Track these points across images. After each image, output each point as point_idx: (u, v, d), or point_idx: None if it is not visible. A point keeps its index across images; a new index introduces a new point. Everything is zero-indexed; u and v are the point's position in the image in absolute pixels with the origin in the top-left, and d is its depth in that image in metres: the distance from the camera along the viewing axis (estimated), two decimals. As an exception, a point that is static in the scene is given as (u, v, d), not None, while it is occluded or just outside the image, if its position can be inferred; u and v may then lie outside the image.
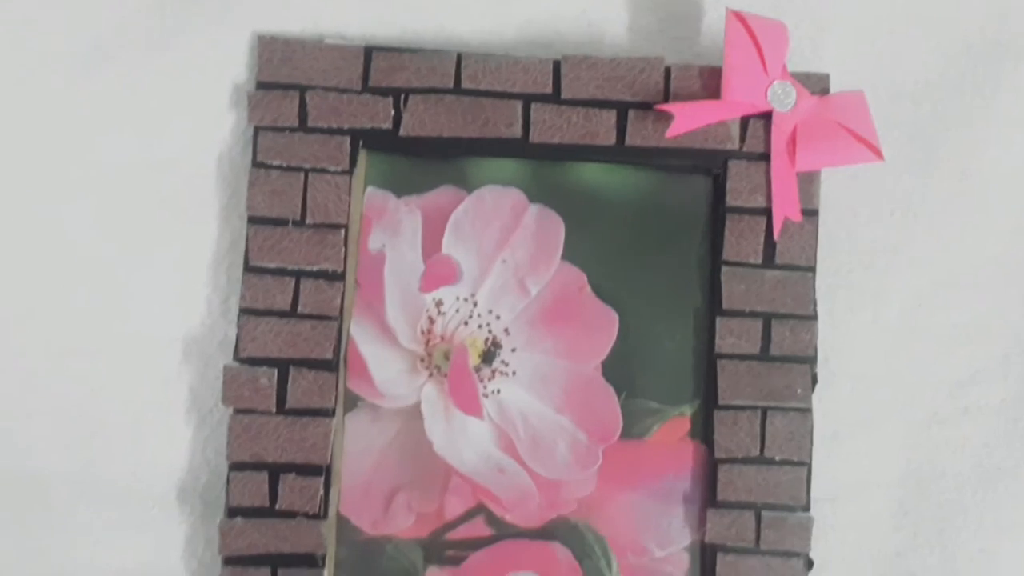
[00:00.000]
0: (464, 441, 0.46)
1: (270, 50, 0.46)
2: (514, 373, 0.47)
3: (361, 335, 0.47)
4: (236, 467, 0.45)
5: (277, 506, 0.45)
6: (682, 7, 0.49)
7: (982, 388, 0.49)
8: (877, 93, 0.48)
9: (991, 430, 0.48)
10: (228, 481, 0.45)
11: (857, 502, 0.48)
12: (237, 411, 0.45)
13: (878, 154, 0.47)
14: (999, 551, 0.47)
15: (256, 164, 0.45)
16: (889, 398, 0.48)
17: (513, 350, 0.47)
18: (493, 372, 0.47)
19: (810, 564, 0.46)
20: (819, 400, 0.47)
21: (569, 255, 0.47)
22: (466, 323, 0.47)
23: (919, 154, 0.49)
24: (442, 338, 0.47)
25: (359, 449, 0.46)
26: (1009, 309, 0.49)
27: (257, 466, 0.45)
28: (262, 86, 0.46)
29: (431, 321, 0.47)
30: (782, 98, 0.47)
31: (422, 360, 0.47)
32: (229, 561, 0.44)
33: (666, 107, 0.45)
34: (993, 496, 0.48)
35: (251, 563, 0.44)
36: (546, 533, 0.46)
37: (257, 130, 0.46)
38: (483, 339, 0.47)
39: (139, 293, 0.47)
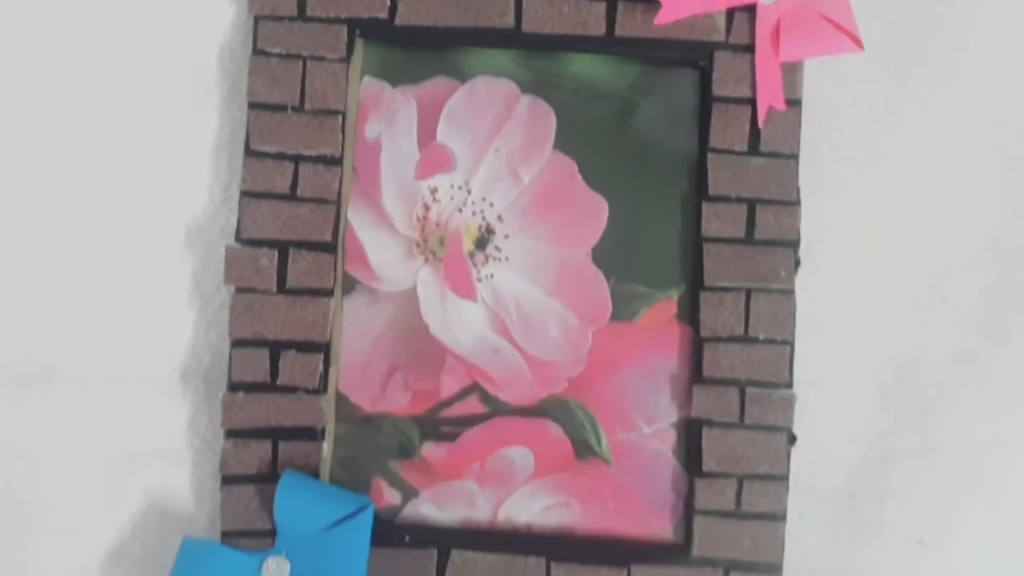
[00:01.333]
0: (459, 323, 0.48)
1: (269, -60, 0.48)
2: (507, 258, 0.48)
3: (358, 221, 0.48)
4: (238, 344, 0.46)
5: (278, 382, 0.46)
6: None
7: (960, 279, 0.50)
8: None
9: (968, 318, 0.50)
10: (230, 358, 0.46)
11: (840, 386, 0.49)
12: (239, 290, 0.46)
13: (858, 44, 0.48)
14: (977, 431, 0.49)
15: (256, 52, 0.47)
16: (871, 288, 0.50)
17: (506, 236, 0.48)
18: (487, 257, 0.48)
19: (793, 439, 0.47)
20: (803, 289, 0.48)
21: (560, 145, 0.48)
22: (460, 210, 0.48)
23: (900, 53, 0.51)
24: (437, 224, 0.48)
25: (357, 330, 0.48)
26: (988, 203, 0.50)
27: (258, 343, 0.46)
28: (262, -24, 0.48)
29: (426, 208, 0.48)
30: (766, -10, 0.49)
31: (418, 245, 0.48)
32: (231, 434, 0.46)
33: (654, -6, 0.47)
34: (971, 379, 0.49)
35: (252, 436, 0.46)
36: (538, 411, 0.48)
37: (257, 19, 0.47)
38: (477, 226, 0.48)
39: (143, 181, 0.48)
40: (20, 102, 0.48)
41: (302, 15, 0.47)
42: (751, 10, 0.48)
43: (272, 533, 0.45)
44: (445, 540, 0.46)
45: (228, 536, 0.45)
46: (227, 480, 0.46)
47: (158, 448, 0.47)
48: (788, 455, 0.47)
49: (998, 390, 0.49)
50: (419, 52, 0.48)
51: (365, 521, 0.43)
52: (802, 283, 0.48)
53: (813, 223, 0.49)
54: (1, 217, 0.48)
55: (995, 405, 0.49)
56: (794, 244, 0.48)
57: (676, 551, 0.47)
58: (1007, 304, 0.50)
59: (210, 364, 0.48)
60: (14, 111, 0.48)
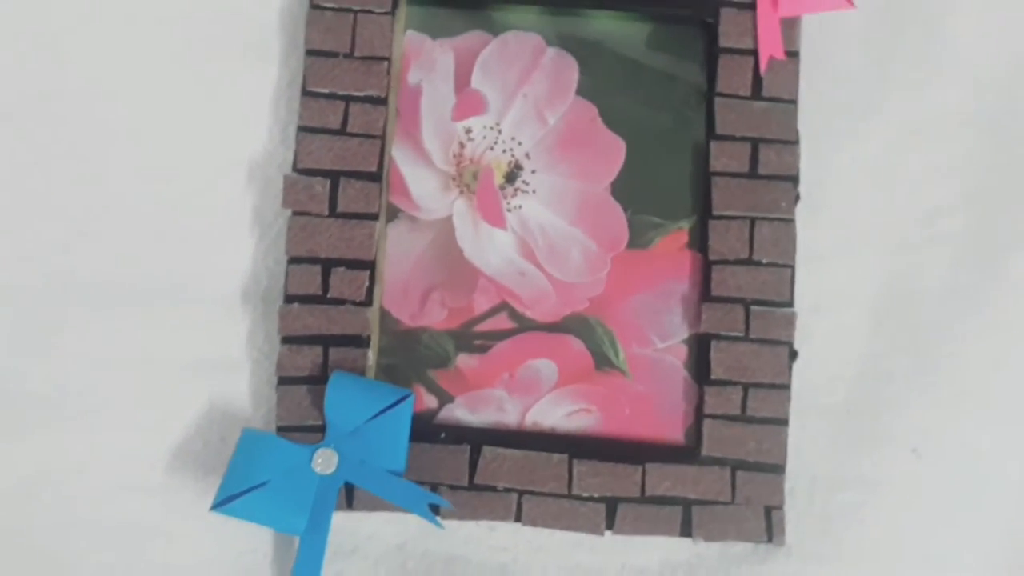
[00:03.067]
0: (490, 248, 0.53)
1: (326, -88, 0.54)
2: (534, 191, 0.53)
3: (401, 157, 0.53)
4: (293, 261, 0.51)
5: (328, 295, 0.51)
6: None
7: (947, 218, 0.54)
8: None
9: (955, 254, 0.54)
10: (286, 273, 0.51)
11: (838, 313, 0.53)
12: (295, 213, 0.52)
13: (850, 2, 0.53)
14: (964, 353, 0.53)
15: (313, 7, 0.53)
16: (866, 226, 0.54)
17: (533, 172, 0.54)
18: (515, 190, 0.53)
19: (794, 354, 0.51)
20: (804, 226, 0.53)
21: (582, 91, 0.54)
22: (492, 148, 0.54)
23: (891, 10, 0.55)
24: (471, 160, 0.54)
25: (399, 253, 0.53)
26: (972, 150, 0.55)
27: (311, 260, 0.51)
28: (318, -59, 0.54)
29: (461, 146, 0.54)
30: (767, -46, 0.54)
31: (453, 179, 0.54)
32: (286, 340, 0.51)
33: (665, -45, 0.53)
34: (958, 307, 0.53)
35: (305, 342, 0.51)
36: (561, 327, 0.52)
37: None
38: (507, 162, 0.54)
39: (211, 122, 0.53)
40: (110, 52, 0.53)
41: (354, -26, 0.54)
42: (754, -29, 0.54)
43: (322, 429, 0.50)
44: (477, 439, 0.51)
45: (282, 431, 0.50)
46: (282, 381, 0.50)
47: (220, 358, 0.52)
48: (790, 367, 0.51)
49: (983, 317, 0.53)
50: (457, 8, 0.54)
51: (405, 409, 0.48)
52: (803, 220, 0.53)
53: (813, 166, 0.54)
54: (87, 152, 0.53)
55: (980, 330, 0.53)
56: (794, 179, 0.53)
57: (687, 452, 0.51)
58: (991, 241, 0.54)
59: (267, 285, 0.53)
60: (102, 58, 0.53)
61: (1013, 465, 0.52)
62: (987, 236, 0.54)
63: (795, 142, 0.53)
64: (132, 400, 0.52)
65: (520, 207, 0.53)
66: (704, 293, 0.52)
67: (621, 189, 0.53)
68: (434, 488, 0.50)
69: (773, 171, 0.52)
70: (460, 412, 0.52)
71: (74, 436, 0.51)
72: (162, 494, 0.51)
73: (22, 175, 0.53)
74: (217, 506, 0.48)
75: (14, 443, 0.51)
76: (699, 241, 0.53)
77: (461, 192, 0.53)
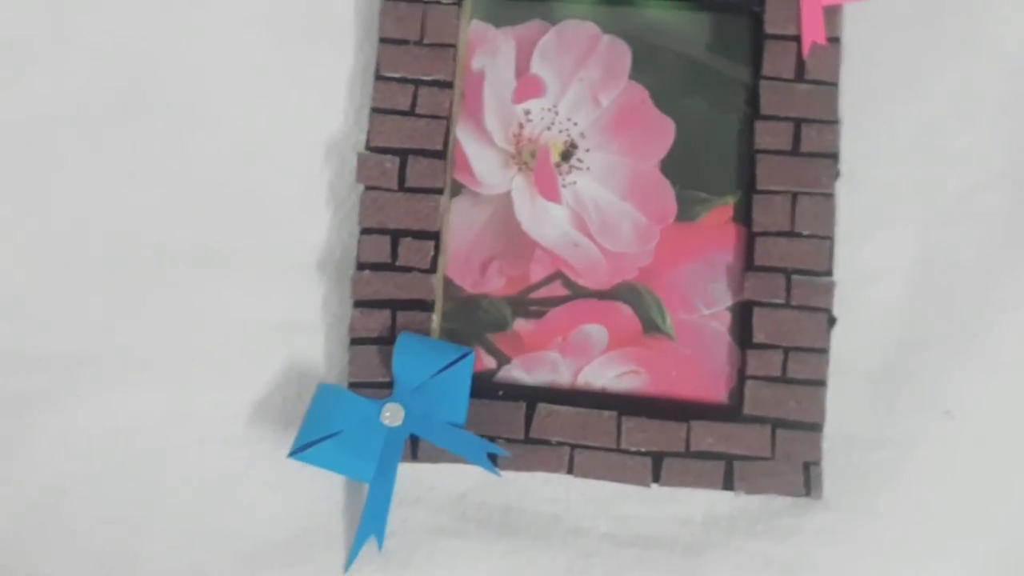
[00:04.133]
0: (546, 221, 0.57)
1: (398, -88, 0.59)
2: (588, 168, 0.57)
3: (465, 136, 0.57)
4: (365, 231, 0.55)
5: (396, 263, 0.55)
6: None
7: (983, 196, 0.57)
8: None
9: (990, 230, 0.56)
10: (359, 243, 0.55)
11: (877, 283, 0.56)
12: (367, 188, 0.56)
13: (888, -11, 0.57)
14: (997, 321, 0.55)
15: None
16: (905, 202, 0.57)
17: (587, 150, 0.57)
18: (570, 167, 0.57)
19: (833, 320, 0.54)
20: (844, 201, 0.56)
21: (634, 75, 0.57)
22: (549, 128, 0.57)
23: (931, 5, 0.58)
24: (529, 140, 0.57)
25: (462, 226, 0.57)
26: (1007, 133, 0.57)
27: (382, 231, 0.55)
28: (392, -61, 0.58)
29: (521, 127, 0.58)
30: (810, -54, 0.57)
31: (513, 157, 0.57)
32: (358, 304, 0.55)
33: (713, -52, 0.56)
34: (993, 280, 0.56)
35: (375, 306, 0.55)
36: (612, 294, 0.56)
37: None
38: (563, 141, 0.57)
39: (292, 105, 0.58)
40: (202, 42, 0.58)
41: (423, -32, 0.58)
42: (797, -38, 0.57)
43: (390, 385, 0.53)
44: (532, 396, 0.54)
45: (354, 387, 0.54)
46: (354, 341, 0.55)
47: (298, 321, 0.56)
48: (829, 332, 0.54)
49: (1015, 290, 0.56)
50: (518, 0, 0.58)
51: (466, 366, 0.52)
52: (844, 195, 0.56)
53: (854, 145, 0.57)
54: (181, 133, 0.58)
55: (1012, 302, 0.55)
56: (834, 156, 0.55)
57: (729, 411, 0.54)
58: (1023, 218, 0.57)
59: (341, 255, 0.57)
60: (194, 48, 0.58)
61: (1040, 426, 0.54)
62: (1020, 213, 0.56)
63: (836, 122, 0.56)
64: (218, 358, 0.56)
65: (575, 183, 0.57)
66: (747, 263, 0.55)
67: (670, 166, 0.56)
68: (492, 440, 0.53)
69: (815, 149, 0.55)
70: (517, 372, 0.56)
71: (165, 391, 0.56)
72: (245, 444, 0.55)
73: (122, 154, 0.58)
74: (294, 453, 0.52)
75: (111, 396, 0.56)
76: (743, 215, 0.56)
77: (520, 169, 0.57)
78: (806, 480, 0.53)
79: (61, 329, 0.56)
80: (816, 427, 0.53)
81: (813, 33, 0.56)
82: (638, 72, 0.57)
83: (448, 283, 0.57)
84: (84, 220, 0.57)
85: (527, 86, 0.58)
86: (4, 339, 0.56)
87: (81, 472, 0.55)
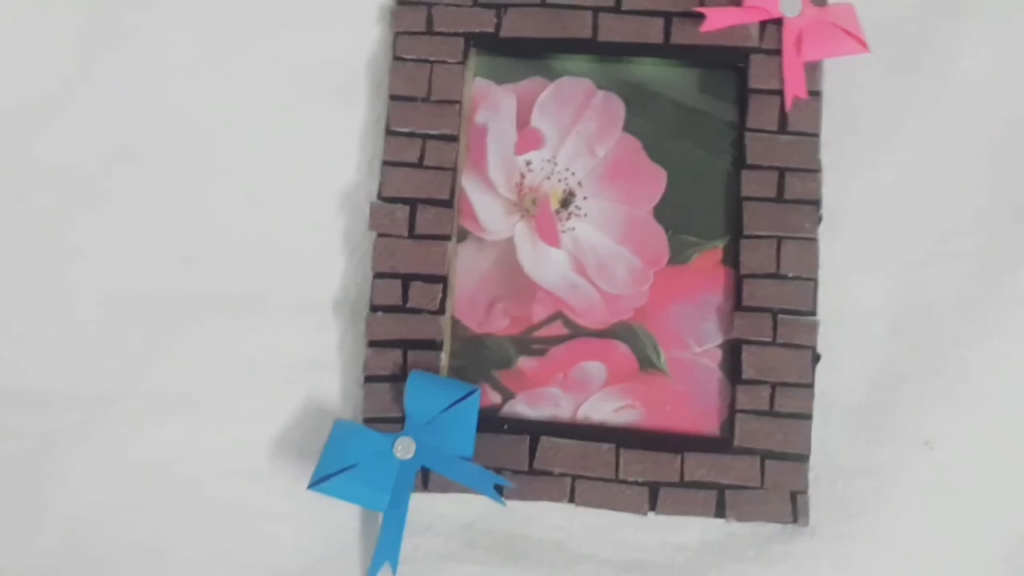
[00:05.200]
0: (547, 265, 0.60)
1: (407, -22, 0.63)
2: (585, 215, 0.61)
3: (470, 186, 0.61)
4: (378, 276, 0.59)
5: (407, 305, 0.58)
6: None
7: (960, 237, 0.60)
8: (872, 14, 0.60)
9: (967, 269, 0.59)
10: (372, 287, 0.59)
11: (858, 322, 0.59)
12: (380, 235, 0.59)
13: (865, 47, 0.59)
14: (972, 357, 0.58)
15: (395, 58, 0.61)
16: (883, 244, 0.60)
17: (585, 198, 0.61)
18: (569, 214, 0.61)
19: (817, 357, 0.57)
20: (827, 245, 0.59)
21: (628, 128, 0.61)
22: (549, 178, 0.61)
23: (905, 62, 0.61)
24: (530, 189, 0.61)
25: (468, 269, 0.60)
26: (981, 177, 0.60)
27: (393, 275, 0.59)
28: (401, 4, 0.61)
29: (522, 176, 0.61)
30: (791, 7, 0.60)
31: (515, 205, 0.61)
32: (372, 344, 0.58)
33: (701, 9, 0.59)
34: (967, 318, 0.58)
35: (388, 346, 0.58)
36: (609, 333, 0.59)
37: (396, 35, 0.61)
38: (562, 190, 0.61)
39: (308, 157, 0.61)
40: (223, 100, 0.62)
41: (429, 31, 0.61)
42: (778, 22, 0.60)
43: (402, 420, 0.57)
44: (535, 430, 0.57)
45: (368, 422, 0.57)
46: (368, 379, 0.58)
47: (315, 360, 0.59)
48: (813, 368, 0.57)
49: (989, 325, 0.58)
50: (518, 58, 0.62)
51: (473, 402, 0.55)
52: (827, 239, 0.59)
53: (835, 192, 0.60)
54: (205, 184, 0.61)
55: (987, 337, 0.58)
56: (816, 203, 0.59)
57: (721, 443, 0.57)
58: (998, 258, 0.59)
59: (355, 297, 0.60)
60: (216, 105, 0.62)
61: (1013, 456, 0.57)
62: (995, 253, 0.59)
63: (817, 170, 0.59)
64: (240, 396, 0.59)
65: (573, 229, 0.61)
66: (736, 303, 0.58)
67: (662, 212, 0.60)
68: (498, 472, 0.56)
69: (798, 196, 0.59)
70: (521, 407, 0.59)
71: (191, 427, 0.59)
72: (267, 477, 0.58)
73: (149, 204, 0.62)
74: (313, 485, 0.55)
75: (139, 433, 0.59)
76: (732, 258, 0.59)
77: (522, 216, 0.61)
78: (793, 508, 0.56)
79: (91, 371, 0.60)
80: (803, 458, 0.56)
81: (795, 87, 0.60)
82: (631, 125, 0.61)
83: (456, 323, 0.60)
84: (112, 267, 0.61)
85: (527, 139, 0.61)
86: (39, 380, 0.60)
87: (111, 505, 0.58)
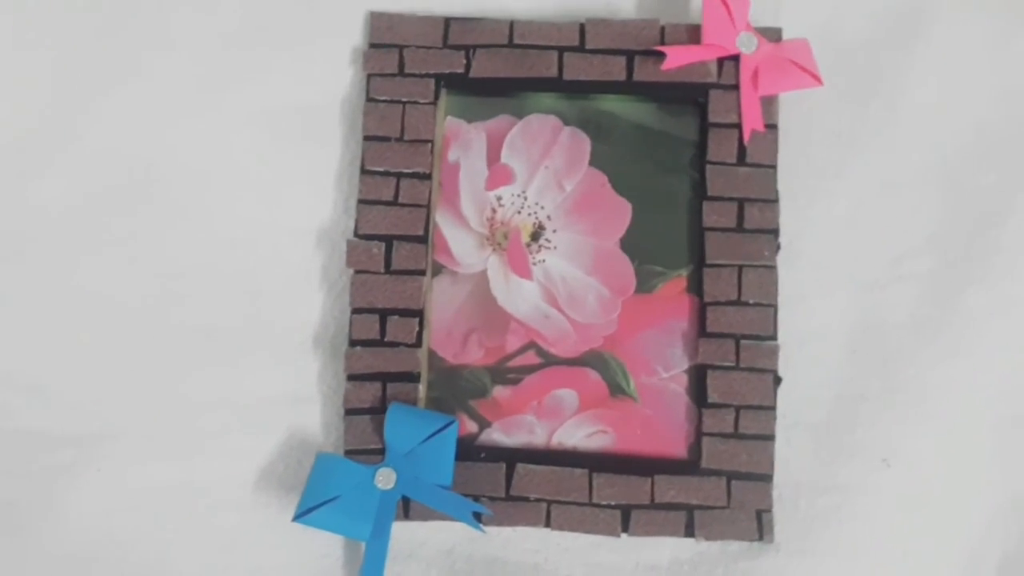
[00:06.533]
0: (519, 296, 0.62)
1: (379, 22, 0.64)
2: (555, 248, 0.63)
3: (443, 221, 0.63)
4: (356, 311, 0.61)
5: (385, 339, 0.60)
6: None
7: (912, 260, 0.62)
8: (824, 48, 0.63)
9: (919, 291, 0.62)
10: (350, 322, 0.61)
11: (817, 344, 0.61)
12: (357, 272, 0.61)
13: (819, 81, 0.62)
14: (927, 376, 0.60)
15: (369, 99, 0.63)
16: (839, 270, 0.62)
17: (554, 231, 0.63)
18: (539, 247, 0.63)
19: (778, 380, 0.60)
20: (786, 270, 0.61)
21: (594, 162, 0.63)
22: (519, 212, 0.63)
23: (857, 93, 0.64)
24: (501, 223, 0.63)
25: (443, 303, 0.62)
26: (930, 203, 0.63)
27: (371, 310, 0.61)
28: (373, 46, 0.63)
29: (493, 211, 0.63)
30: (747, 44, 0.63)
31: (487, 239, 0.63)
32: (352, 378, 0.60)
33: (662, 48, 0.62)
34: (921, 338, 0.61)
35: (367, 379, 0.60)
36: (580, 361, 0.61)
37: (369, 76, 0.63)
38: (532, 223, 0.63)
39: (286, 197, 0.63)
40: (205, 142, 0.63)
41: (401, 72, 0.63)
42: (736, 58, 0.62)
43: (382, 451, 0.59)
44: (511, 457, 0.59)
45: (349, 454, 0.59)
46: (349, 412, 0.60)
47: (297, 395, 0.61)
48: (775, 391, 0.60)
49: (943, 345, 0.61)
50: (487, 97, 0.64)
51: (451, 433, 0.57)
52: (785, 266, 0.61)
53: (792, 220, 0.62)
54: (188, 223, 0.63)
55: (940, 357, 0.61)
56: (775, 232, 0.61)
57: (689, 465, 0.60)
58: (949, 280, 0.62)
59: (334, 332, 0.62)
60: (198, 147, 0.63)
61: (968, 472, 0.60)
62: (946, 276, 0.62)
63: (775, 200, 0.61)
64: (225, 431, 0.61)
65: (544, 261, 0.63)
66: (701, 330, 0.61)
67: (629, 244, 0.62)
68: (476, 499, 0.59)
69: (757, 226, 0.61)
70: (497, 435, 0.61)
71: (179, 463, 0.61)
72: (252, 509, 0.60)
73: (133, 246, 0.63)
74: (297, 518, 0.57)
75: (129, 469, 0.61)
76: (696, 286, 0.61)
77: (494, 250, 0.63)
78: (759, 526, 0.58)
79: (82, 410, 0.61)
80: (767, 477, 0.59)
81: (752, 121, 0.62)
82: (597, 159, 0.63)
83: (432, 355, 0.62)
84: (98, 308, 0.62)
85: (498, 175, 0.64)
86: (30, 420, 0.61)
87: (104, 540, 0.60)
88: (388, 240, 0.61)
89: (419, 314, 0.61)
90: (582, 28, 0.63)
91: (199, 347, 0.62)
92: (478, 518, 0.58)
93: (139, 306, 0.63)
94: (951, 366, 0.61)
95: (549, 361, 0.61)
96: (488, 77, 0.63)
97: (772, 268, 0.61)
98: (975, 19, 0.65)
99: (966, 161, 0.63)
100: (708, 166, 0.62)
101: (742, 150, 0.62)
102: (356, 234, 0.62)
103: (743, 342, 0.60)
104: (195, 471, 0.61)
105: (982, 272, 0.62)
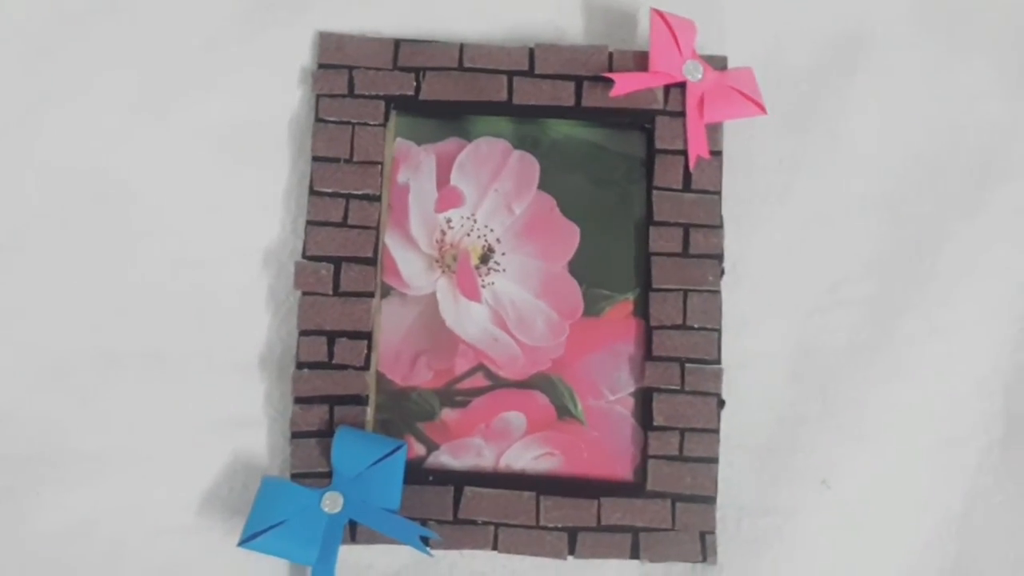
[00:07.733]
0: (468, 319, 0.63)
1: (328, 42, 0.64)
2: (504, 270, 0.63)
3: (392, 243, 0.63)
4: (304, 333, 0.61)
5: (333, 361, 0.60)
6: (621, 17, 0.67)
7: (851, 286, 0.64)
8: (767, 76, 0.65)
9: (858, 316, 0.63)
10: (298, 344, 0.60)
11: (759, 368, 0.62)
12: (304, 293, 0.61)
13: (763, 109, 0.63)
14: (865, 400, 0.62)
15: (318, 120, 0.62)
16: (782, 295, 0.64)
17: (503, 254, 0.63)
18: (489, 270, 0.63)
19: (722, 403, 0.61)
20: (729, 294, 0.62)
21: (543, 186, 0.64)
22: (468, 234, 0.64)
23: (799, 120, 0.65)
24: (451, 245, 0.63)
25: (392, 325, 0.62)
26: (869, 230, 0.64)
27: (319, 332, 0.60)
28: (322, 67, 0.63)
29: (443, 233, 0.64)
30: (693, 72, 0.64)
31: (436, 261, 0.63)
32: (298, 400, 0.60)
33: (609, 75, 0.63)
34: (861, 362, 0.63)
35: (314, 402, 0.60)
36: (529, 384, 0.62)
37: (319, 97, 0.63)
38: (481, 246, 0.63)
39: (233, 217, 0.63)
40: (149, 159, 0.63)
41: (351, 93, 0.63)
42: (682, 86, 0.63)
43: (329, 475, 0.58)
44: (459, 480, 0.60)
45: (296, 477, 0.59)
46: (295, 435, 0.59)
47: (242, 416, 0.61)
48: (719, 414, 0.61)
49: (880, 369, 0.63)
50: (437, 120, 0.64)
51: (400, 457, 0.57)
52: (729, 290, 0.62)
53: (736, 245, 0.63)
54: (129, 241, 0.62)
55: (878, 380, 0.62)
56: (719, 257, 0.62)
57: (635, 487, 0.60)
58: (887, 305, 0.63)
59: (281, 353, 0.62)
60: (142, 164, 0.63)
61: (905, 492, 0.61)
62: (884, 302, 0.64)
63: (719, 226, 0.63)
64: (169, 454, 0.60)
65: (493, 284, 0.63)
66: (647, 353, 0.61)
67: (577, 267, 0.63)
68: (424, 523, 0.59)
69: (702, 251, 0.62)
70: (445, 458, 0.61)
71: (121, 486, 0.60)
72: (195, 533, 0.60)
73: (75, 264, 0.62)
74: (243, 543, 0.56)
75: (65, 493, 0.60)
76: (642, 310, 0.62)
77: (443, 272, 0.63)
78: (703, 548, 0.59)
79: (21, 432, 0.60)
80: (710, 499, 0.60)
81: (697, 148, 0.64)
82: (546, 183, 0.64)
83: (380, 378, 0.62)
84: (39, 327, 0.61)
85: (447, 197, 0.64)
86: (-35, 444, 0.60)
87: (44, 565, 0.59)
88: (337, 261, 0.61)
89: (367, 336, 0.61)
90: (531, 53, 0.64)
91: (142, 368, 0.61)
92: (425, 542, 0.58)
93: (79, 326, 0.62)
94: (889, 389, 0.62)
95: (497, 384, 0.62)
96: (438, 100, 0.63)
97: (716, 293, 0.62)
98: (915, 49, 0.67)
99: (905, 189, 0.65)
100: (654, 191, 0.63)
101: (688, 176, 0.63)
102: (304, 255, 0.61)
103: (688, 366, 0.61)
104: (137, 495, 0.60)
105: (919, 298, 0.63)
